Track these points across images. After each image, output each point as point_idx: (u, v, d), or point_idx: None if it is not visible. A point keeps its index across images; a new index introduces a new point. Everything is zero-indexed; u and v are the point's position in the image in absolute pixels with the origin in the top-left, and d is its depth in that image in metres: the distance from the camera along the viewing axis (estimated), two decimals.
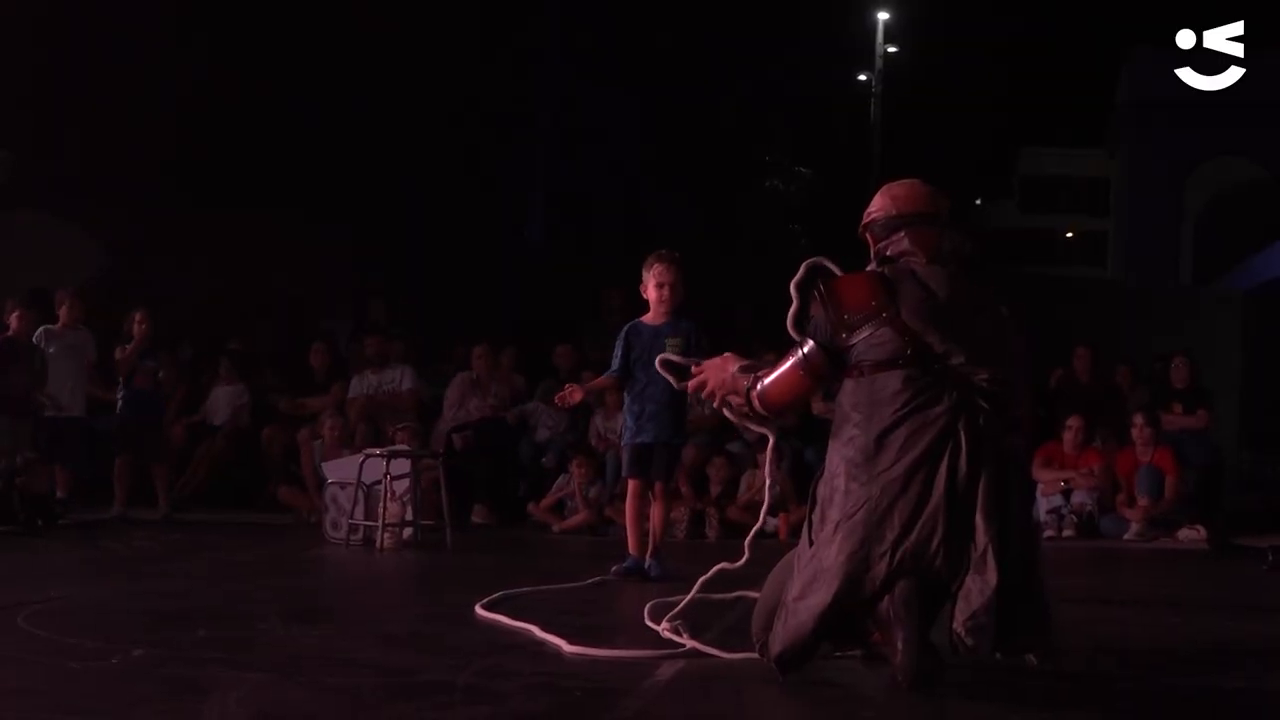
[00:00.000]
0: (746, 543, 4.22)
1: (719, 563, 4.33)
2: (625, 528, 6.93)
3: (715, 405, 4.15)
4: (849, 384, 3.75)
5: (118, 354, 10.11)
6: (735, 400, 4.01)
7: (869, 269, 3.91)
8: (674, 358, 4.68)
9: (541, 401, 10.90)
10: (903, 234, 3.90)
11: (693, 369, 4.18)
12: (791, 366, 3.87)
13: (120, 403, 10.05)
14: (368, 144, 19.65)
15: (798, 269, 4.04)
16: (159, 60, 17.00)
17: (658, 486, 6.72)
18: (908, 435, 3.62)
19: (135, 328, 10.06)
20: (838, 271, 3.97)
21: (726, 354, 4.13)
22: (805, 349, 3.83)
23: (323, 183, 18.90)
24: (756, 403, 3.94)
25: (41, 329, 9.96)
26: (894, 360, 3.68)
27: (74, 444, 10.05)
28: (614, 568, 6.57)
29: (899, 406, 3.64)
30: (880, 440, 3.64)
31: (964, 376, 3.69)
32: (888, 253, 3.93)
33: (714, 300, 10.12)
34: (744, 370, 4.00)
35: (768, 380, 3.92)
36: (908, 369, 3.67)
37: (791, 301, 3.96)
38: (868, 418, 3.67)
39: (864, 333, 3.72)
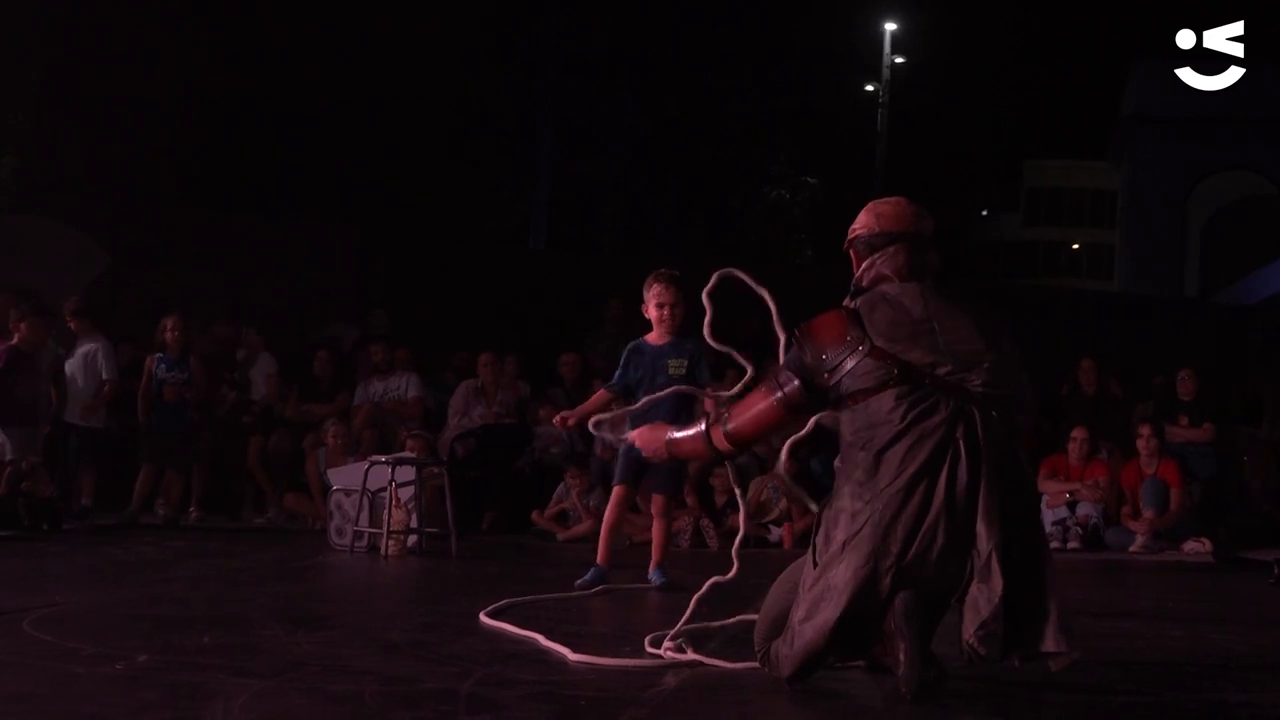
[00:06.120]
0: (734, 552, 4.28)
1: (719, 574, 4.34)
2: (603, 535, 6.67)
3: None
4: (846, 415, 3.78)
5: (148, 363, 10.11)
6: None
7: (840, 306, 3.93)
8: (605, 434, 5.33)
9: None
10: (876, 258, 3.95)
11: (628, 437, 4.57)
12: (768, 404, 3.94)
13: (149, 413, 10.04)
14: (371, 151, 19.70)
15: (803, 279, 4.08)
16: (164, 66, 17.05)
17: (659, 500, 6.65)
18: (907, 449, 3.63)
19: (167, 335, 10.07)
20: (749, 280, 4.15)
21: (655, 424, 4.49)
22: (786, 388, 3.88)
23: (326, 189, 18.95)
24: (719, 438, 4.05)
25: (53, 337, 10.01)
26: (883, 385, 3.70)
27: (93, 452, 10.11)
28: (577, 581, 6.35)
29: (896, 422, 3.65)
30: (880, 457, 3.64)
31: (956, 384, 3.69)
32: (863, 283, 3.96)
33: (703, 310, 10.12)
34: (679, 426, 4.33)
35: (736, 417, 4.02)
36: (898, 387, 3.68)
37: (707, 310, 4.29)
38: (869, 440, 3.68)
39: (846, 368, 3.75)
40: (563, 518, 10.07)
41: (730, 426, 4.01)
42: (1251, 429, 12.20)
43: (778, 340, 4.01)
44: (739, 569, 4.28)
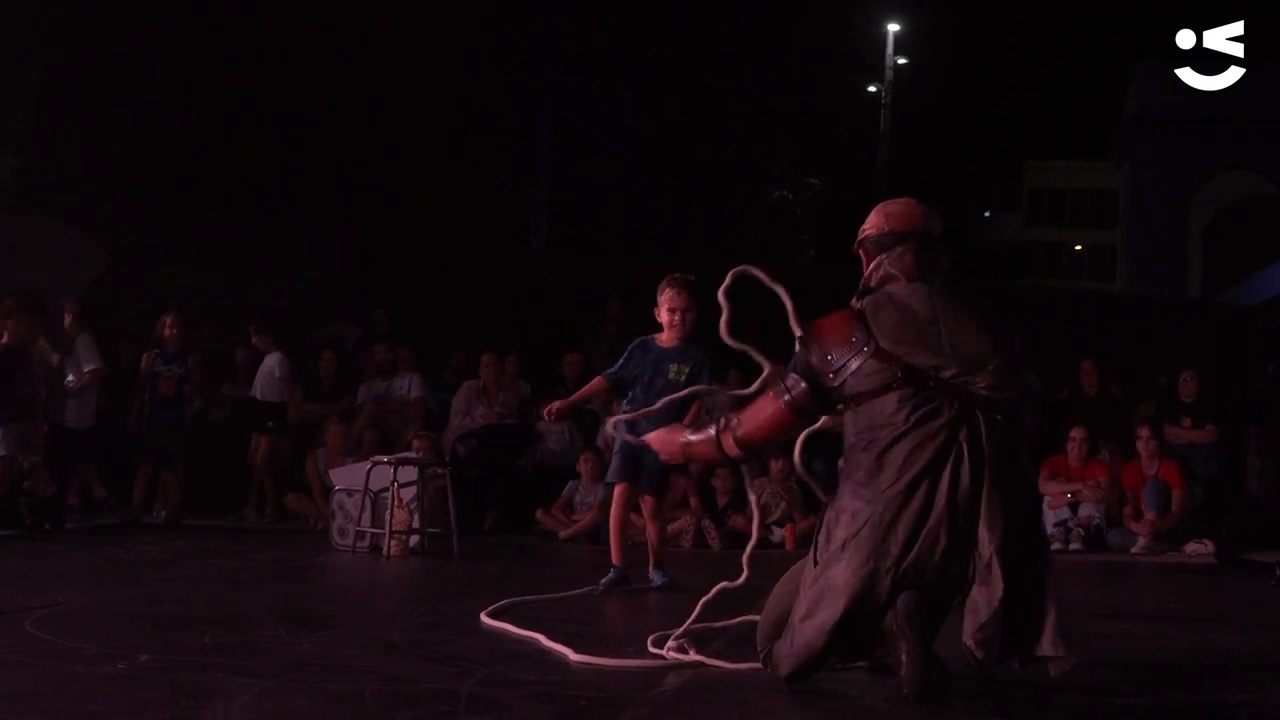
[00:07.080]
0: (744, 559, 4.23)
1: (721, 575, 4.33)
2: (613, 535, 6.65)
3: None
4: (850, 416, 3.77)
5: (145, 360, 10.12)
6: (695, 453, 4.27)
7: (846, 307, 3.92)
8: (621, 433, 5.56)
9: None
10: (884, 259, 3.94)
11: (646, 439, 4.44)
12: (777, 408, 3.91)
13: (144, 408, 10.05)
14: (371, 151, 19.70)
15: (805, 279, 4.08)
16: (164, 66, 17.04)
17: (649, 502, 6.58)
18: (909, 451, 3.62)
19: (165, 331, 10.08)
20: (764, 278, 3.99)
21: (672, 426, 4.49)
22: (793, 391, 3.86)
23: (327, 190, 18.95)
24: (730, 444, 4.01)
25: (45, 339, 9.98)
26: (886, 386, 3.70)
27: (91, 455, 10.11)
28: (601, 581, 6.40)
29: (899, 424, 3.65)
30: (881, 458, 3.65)
31: (961, 387, 3.69)
32: (871, 284, 3.96)
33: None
34: (694, 429, 4.26)
35: (745, 423, 3.98)
36: (901, 390, 3.68)
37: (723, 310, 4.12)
38: (870, 441, 3.69)
39: (850, 369, 3.74)
40: (569, 510, 10.12)
41: (740, 432, 3.99)
42: (1254, 430, 12.21)
43: (791, 337, 3.97)
44: (748, 576, 4.21)
